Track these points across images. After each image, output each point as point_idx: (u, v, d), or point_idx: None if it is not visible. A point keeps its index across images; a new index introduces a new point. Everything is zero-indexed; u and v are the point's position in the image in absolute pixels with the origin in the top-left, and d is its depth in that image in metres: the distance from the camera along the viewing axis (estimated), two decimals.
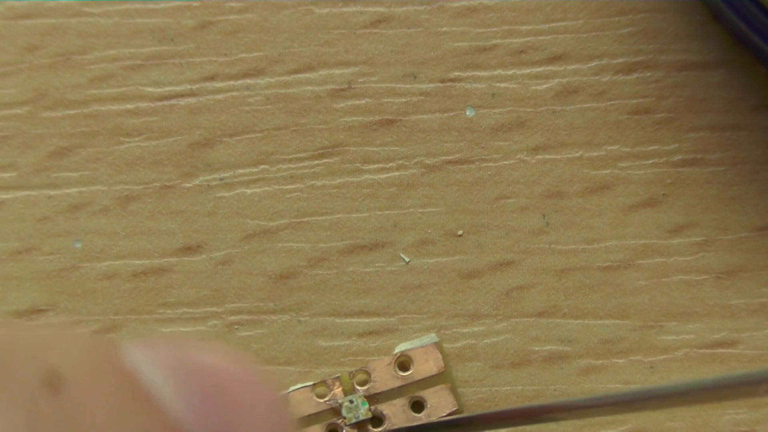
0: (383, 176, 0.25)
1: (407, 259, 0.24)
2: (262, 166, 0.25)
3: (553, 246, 0.24)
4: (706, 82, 0.25)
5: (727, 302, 0.24)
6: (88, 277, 0.24)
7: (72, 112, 0.25)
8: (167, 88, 0.25)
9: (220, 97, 0.25)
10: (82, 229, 0.24)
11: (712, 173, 0.24)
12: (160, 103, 0.25)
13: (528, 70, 0.25)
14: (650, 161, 0.25)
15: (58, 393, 0.18)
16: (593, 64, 0.25)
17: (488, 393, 0.24)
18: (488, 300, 0.24)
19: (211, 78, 0.25)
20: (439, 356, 0.24)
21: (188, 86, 0.25)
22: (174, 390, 0.20)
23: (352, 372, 0.24)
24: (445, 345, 0.24)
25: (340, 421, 0.23)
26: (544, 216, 0.24)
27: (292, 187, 0.25)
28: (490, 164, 0.25)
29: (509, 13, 0.25)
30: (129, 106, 0.25)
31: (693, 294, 0.24)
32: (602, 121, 0.25)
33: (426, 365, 0.24)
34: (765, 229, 0.24)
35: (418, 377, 0.24)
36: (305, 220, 0.24)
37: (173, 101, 0.25)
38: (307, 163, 0.25)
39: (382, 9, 0.25)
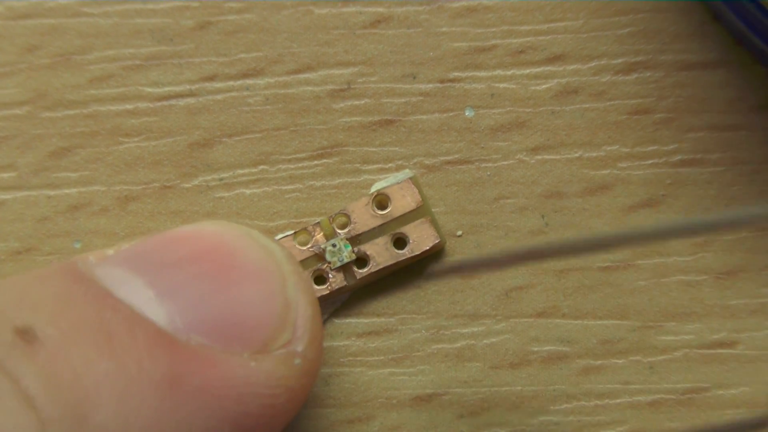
0: (382, 176, 0.25)
1: None
2: (262, 167, 0.25)
3: None
4: (706, 82, 0.25)
5: (726, 302, 0.24)
6: None
7: (71, 112, 0.25)
8: (166, 89, 0.25)
9: (219, 97, 0.25)
10: (82, 230, 0.24)
11: (711, 173, 0.24)
12: (159, 104, 0.25)
13: (527, 71, 0.25)
14: (650, 161, 0.24)
15: (33, 344, 0.18)
16: (593, 64, 0.25)
17: (487, 393, 0.24)
18: (487, 300, 0.24)
19: (211, 78, 0.25)
20: (416, 191, 0.24)
21: (187, 86, 0.25)
22: (154, 295, 0.20)
23: (331, 216, 0.24)
24: (444, 345, 0.24)
25: (325, 266, 0.23)
26: (543, 216, 0.24)
27: (292, 187, 0.25)
28: (490, 164, 0.25)
29: (508, 13, 0.25)
30: (128, 107, 0.25)
31: (692, 294, 0.24)
32: (602, 122, 0.25)
33: (403, 201, 0.24)
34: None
35: (396, 214, 0.24)
36: (304, 220, 0.24)
37: (172, 101, 0.25)
38: (306, 163, 0.25)
39: (381, 9, 0.25)
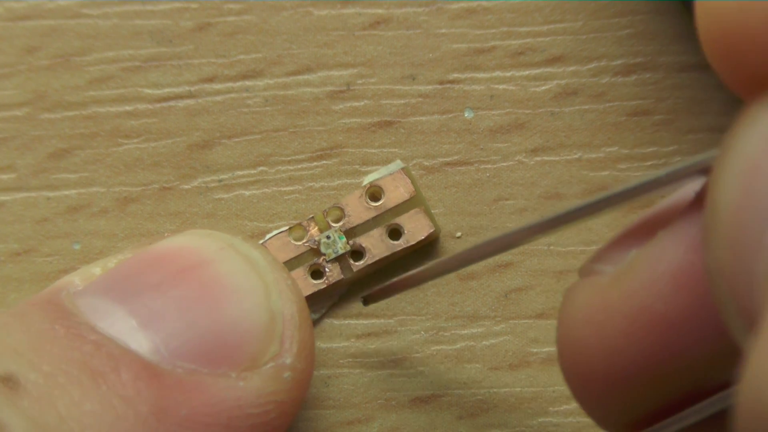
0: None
1: None
2: (261, 168, 0.25)
3: (551, 248, 0.24)
4: (705, 83, 0.25)
5: None
6: None
7: (71, 113, 0.25)
8: (166, 90, 0.25)
9: (218, 98, 0.25)
10: (81, 231, 0.24)
11: None
12: (158, 105, 0.25)
13: (527, 72, 0.25)
14: (649, 163, 0.25)
15: (16, 390, 0.18)
16: (592, 65, 0.25)
17: (487, 395, 0.24)
18: (487, 301, 0.24)
19: (210, 79, 0.25)
20: (408, 181, 0.24)
21: (187, 88, 0.25)
22: (137, 324, 0.20)
23: (325, 210, 0.24)
24: (444, 347, 0.24)
25: (321, 260, 0.24)
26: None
27: (291, 188, 0.25)
28: (489, 166, 0.25)
29: (508, 14, 0.25)
30: (128, 108, 0.25)
31: None
32: (601, 123, 0.25)
33: (396, 192, 0.24)
34: None
35: (390, 205, 0.24)
36: (304, 221, 0.24)
37: (172, 103, 0.25)
38: (305, 164, 0.25)
39: (380, 11, 0.25)
